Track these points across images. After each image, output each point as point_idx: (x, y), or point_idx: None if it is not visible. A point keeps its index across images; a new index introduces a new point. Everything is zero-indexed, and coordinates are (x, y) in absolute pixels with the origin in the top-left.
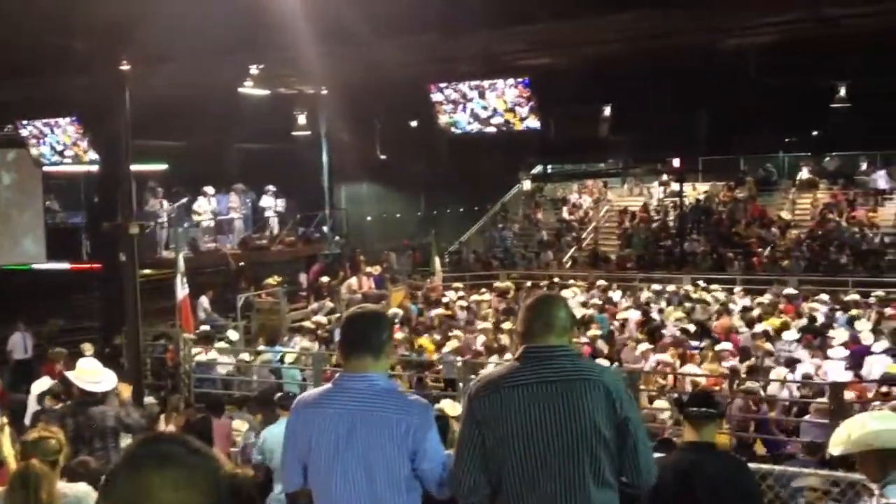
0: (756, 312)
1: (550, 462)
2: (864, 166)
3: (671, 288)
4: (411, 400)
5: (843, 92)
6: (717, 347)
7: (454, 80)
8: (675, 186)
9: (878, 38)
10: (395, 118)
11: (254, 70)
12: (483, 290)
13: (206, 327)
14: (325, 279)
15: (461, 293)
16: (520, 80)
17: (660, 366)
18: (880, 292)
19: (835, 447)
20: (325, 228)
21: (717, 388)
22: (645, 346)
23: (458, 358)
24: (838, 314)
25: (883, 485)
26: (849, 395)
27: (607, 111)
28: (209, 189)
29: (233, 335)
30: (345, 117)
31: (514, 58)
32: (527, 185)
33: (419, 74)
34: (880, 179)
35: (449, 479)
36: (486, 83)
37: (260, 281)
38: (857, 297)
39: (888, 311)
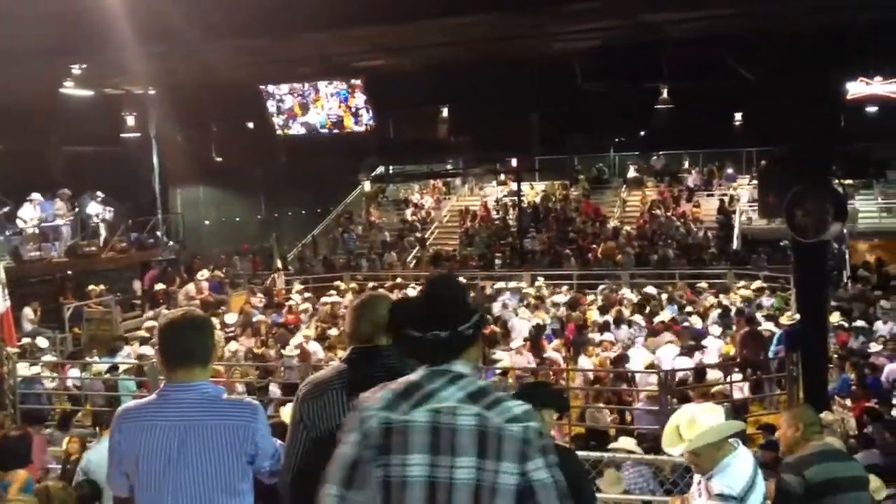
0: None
1: None
2: (686, 164)
3: (512, 285)
4: (245, 404)
5: (665, 94)
6: (599, 338)
7: (289, 81)
8: (513, 186)
9: (696, 43)
10: (231, 120)
11: (76, 70)
12: (331, 292)
13: (30, 339)
14: (160, 286)
15: (307, 295)
16: (354, 82)
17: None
18: (703, 283)
19: (673, 447)
20: (158, 234)
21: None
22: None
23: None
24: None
25: (709, 476)
26: (716, 374)
27: (445, 112)
28: (36, 195)
29: (42, 342)
30: (177, 119)
31: (349, 59)
32: (367, 186)
33: (253, 76)
34: (690, 179)
35: (279, 479)
36: (318, 85)
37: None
38: (652, 289)
39: (710, 298)
